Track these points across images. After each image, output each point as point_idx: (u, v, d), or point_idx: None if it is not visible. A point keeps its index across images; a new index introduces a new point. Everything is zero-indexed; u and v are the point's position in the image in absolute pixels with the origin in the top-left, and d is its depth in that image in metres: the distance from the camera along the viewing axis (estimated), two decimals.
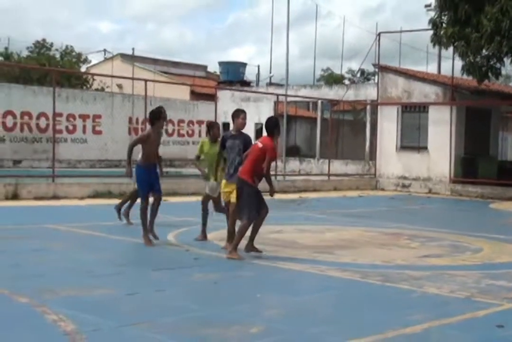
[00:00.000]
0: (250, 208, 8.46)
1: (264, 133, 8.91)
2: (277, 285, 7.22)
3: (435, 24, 20.43)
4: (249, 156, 8.59)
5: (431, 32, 20.65)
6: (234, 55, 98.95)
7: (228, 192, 8.99)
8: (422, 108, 23.67)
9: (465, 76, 21.80)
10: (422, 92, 23.73)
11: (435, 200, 20.14)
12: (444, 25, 20.21)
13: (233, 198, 8.80)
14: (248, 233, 8.58)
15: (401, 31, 32.89)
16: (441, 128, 22.74)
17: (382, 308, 6.27)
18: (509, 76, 47.33)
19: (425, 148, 23.33)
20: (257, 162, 8.46)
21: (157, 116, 9.56)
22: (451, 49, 20.94)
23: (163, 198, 10.07)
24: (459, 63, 20.35)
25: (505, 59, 19.06)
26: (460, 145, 22.92)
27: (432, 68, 35.70)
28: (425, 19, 21.12)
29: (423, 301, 6.59)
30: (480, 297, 6.69)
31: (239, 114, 9.14)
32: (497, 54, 18.52)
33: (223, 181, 9.13)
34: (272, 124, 8.70)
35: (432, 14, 21.30)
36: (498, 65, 19.30)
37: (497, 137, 25.93)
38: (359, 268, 8.15)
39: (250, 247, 8.70)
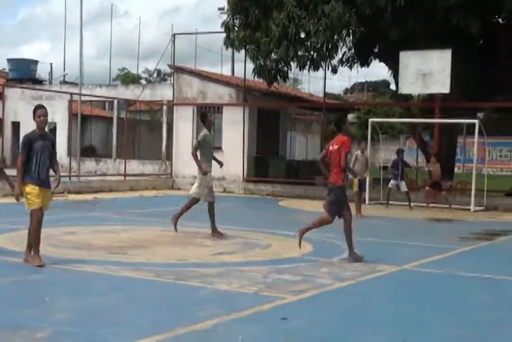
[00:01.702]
0: (344, 206, 8.98)
1: None
2: (68, 287, 7.06)
3: (227, 27, 20.93)
4: (334, 163, 8.97)
5: (225, 34, 21.14)
6: (26, 52, 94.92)
7: (42, 197, 7.99)
8: (216, 109, 24.16)
9: (256, 79, 22.55)
10: (217, 93, 24.23)
11: (229, 199, 20.64)
12: (236, 28, 20.77)
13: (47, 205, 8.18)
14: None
15: (196, 33, 33.42)
16: (234, 128, 23.36)
17: (174, 306, 6.34)
18: (297, 79, 49.78)
19: (220, 148, 23.80)
20: (341, 164, 8.88)
21: None
22: (243, 52, 21.58)
23: None
24: (251, 65, 21.02)
25: (292, 63, 19.93)
26: (252, 145, 23.69)
27: (227, 70, 36.58)
28: (220, 22, 21.64)
29: (214, 297, 6.74)
30: (267, 291, 6.97)
31: (35, 111, 8.16)
32: (285, 58, 19.34)
33: (35, 187, 7.94)
34: (336, 121, 9.30)
35: (225, 17, 21.81)
36: (285, 68, 20.16)
37: (285, 138, 27.13)
38: (153, 267, 8.16)
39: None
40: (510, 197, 19.65)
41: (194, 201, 11.55)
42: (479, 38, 20.00)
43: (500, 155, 41.57)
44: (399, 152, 18.25)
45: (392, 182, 17.98)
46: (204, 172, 11.13)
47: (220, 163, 11.85)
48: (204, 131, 11.34)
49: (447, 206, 18.06)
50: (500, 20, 20.91)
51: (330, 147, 9.13)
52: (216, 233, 11.26)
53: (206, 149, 11.28)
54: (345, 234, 9.17)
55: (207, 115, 11.70)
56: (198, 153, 11.22)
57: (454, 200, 18.53)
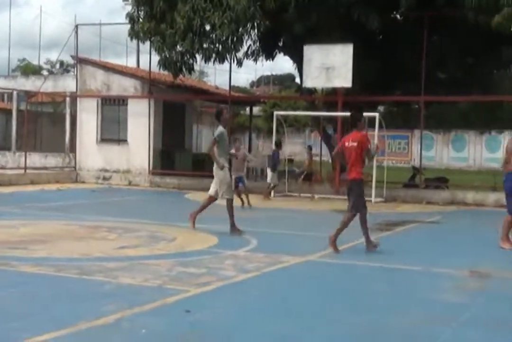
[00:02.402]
0: (362, 202, 9.55)
1: None
2: None
3: (132, 18, 20.66)
4: (351, 158, 9.23)
5: (129, 26, 20.84)
6: None
7: None
8: (121, 101, 23.82)
9: (162, 71, 22.33)
10: (122, 85, 23.88)
11: (135, 192, 20.44)
12: (141, 20, 20.52)
13: None
14: None
15: (100, 24, 32.79)
16: (140, 121, 23.10)
17: (77, 301, 6.23)
18: (203, 72, 49.66)
19: (125, 141, 23.54)
20: (360, 160, 9.25)
21: None
22: (148, 43, 21.34)
23: None
24: (156, 57, 20.79)
25: (197, 55, 19.84)
26: (158, 138, 23.49)
27: (132, 62, 36.12)
28: (124, 13, 21.25)
29: (118, 291, 6.66)
30: (171, 284, 6.95)
31: None
32: (190, 51, 19.22)
33: None
34: (352, 118, 9.62)
35: (129, 8, 21.49)
36: (191, 61, 20.04)
37: (191, 131, 27.02)
38: (55, 262, 8.00)
39: None
40: (407, 188, 20.27)
41: (212, 199, 11.33)
42: (379, 34, 20.48)
43: (399, 148, 42.95)
44: (278, 144, 18.90)
45: (271, 173, 18.40)
46: (222, 167, 10.98)
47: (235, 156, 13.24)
48: (220, 128, 11.19)
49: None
50: (398, 16, 21.52)
51: (346, 143, 9.41)
52: (235, 230, 11.03)
53: (222, 145, 11.13)
54: (362, 226, 9.66)
55: (222, 112, 11.46)
56: (216, 150, 11.06)
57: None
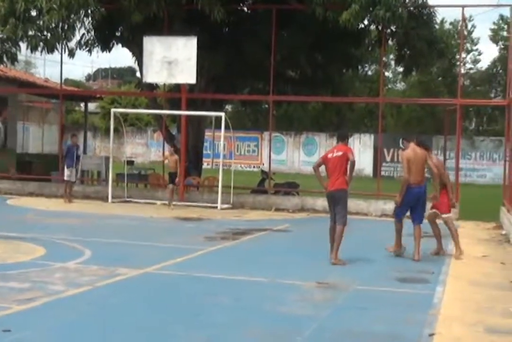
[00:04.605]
0: (346, 213, 10.17)
1: None
2: None
3: None
4: (336, 169, 9.99)
5: None
6: None
7: None
8: None
9: None
10: None
11: None
12: None
13: None
14: None
15: None
16: None
17: None
18: (30, 62, 48.22)
19: None
20: (344, 170, 10.03)
21: None
22: None
23: None
24: None
25: (21, 43, 19.19)
26: None
27: None
28: None
29: None
30: None
31: None
32: (13, 38, 18.55)
33: None
34: (343, 133, 10.87)
35: None
36: (14, 49, 19.37)
37: (15, 128, 26.15)
38: None
39: None
40: (256, 193, 20.66)
41: None
42: (225, 26, 20.75)
43: (248, 150, 43.44)
44: (73, 136, 19.22)
45: (67, 172, 18.31)
46: None
47: None
48: None
49: (194, 203, 18.71)
50: (245, 8, 21.94)
51: (329, 155, 10.18)
52: None
53: None
54: (336, 238, 9.98)
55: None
56: None
57: (202, 197, 19.29)
